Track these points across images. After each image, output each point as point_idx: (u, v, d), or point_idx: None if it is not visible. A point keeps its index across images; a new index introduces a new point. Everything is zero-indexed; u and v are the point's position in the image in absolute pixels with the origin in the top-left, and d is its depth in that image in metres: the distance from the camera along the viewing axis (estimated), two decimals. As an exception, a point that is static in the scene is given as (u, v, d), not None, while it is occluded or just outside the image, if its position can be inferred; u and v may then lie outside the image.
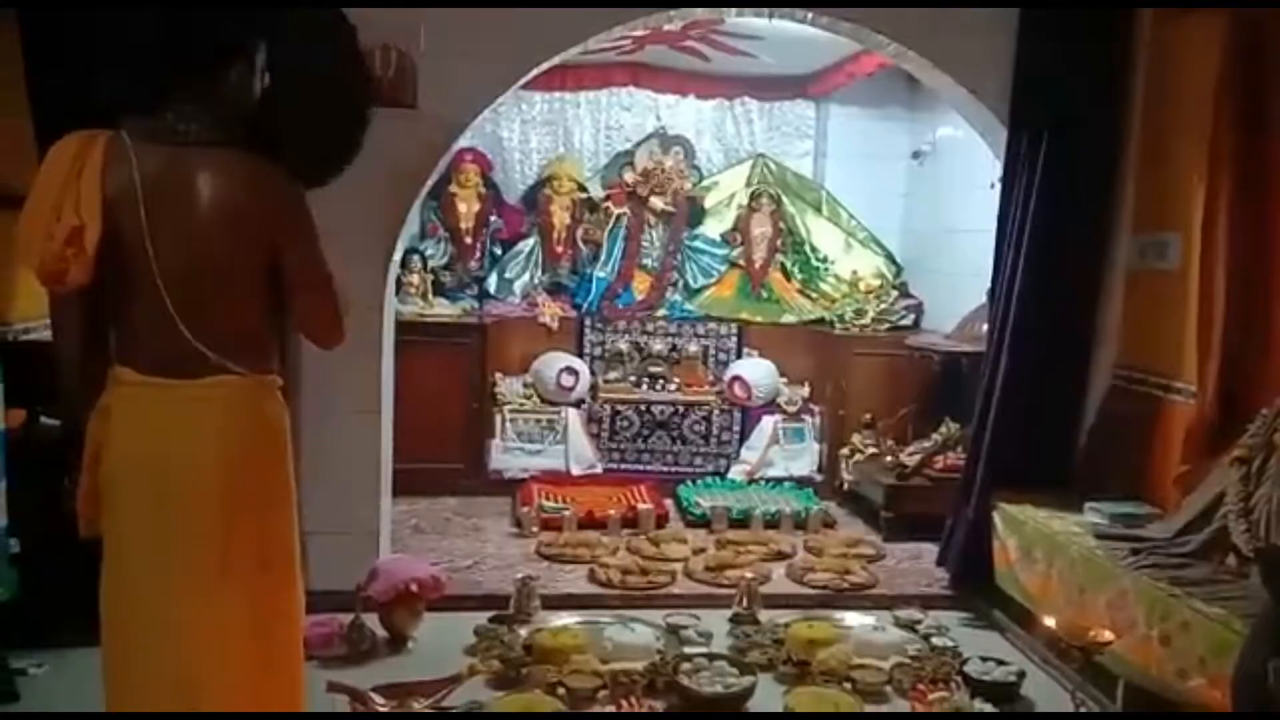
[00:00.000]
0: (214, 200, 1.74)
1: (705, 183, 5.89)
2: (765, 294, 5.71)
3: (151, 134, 1.77)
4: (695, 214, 5.77)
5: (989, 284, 3.93)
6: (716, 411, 5.35)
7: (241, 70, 1.84)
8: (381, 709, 2.66)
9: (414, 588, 3.26)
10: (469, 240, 5.51)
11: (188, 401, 1.79)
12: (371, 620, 3.27)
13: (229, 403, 1.81)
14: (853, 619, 3.52)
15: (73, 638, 2.69)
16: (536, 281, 5.61)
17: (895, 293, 5.60)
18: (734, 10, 3.98)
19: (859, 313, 5.43)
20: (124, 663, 1.81)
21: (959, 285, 5.03)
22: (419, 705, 2.67)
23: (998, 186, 3.87)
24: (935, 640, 3.33)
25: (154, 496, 1.77)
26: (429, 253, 5.43)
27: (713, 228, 5.83)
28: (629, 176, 5.67)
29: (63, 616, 2.67)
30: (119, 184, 1.73)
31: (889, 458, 4.73)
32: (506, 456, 5.12)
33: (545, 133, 5.92)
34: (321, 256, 1.87)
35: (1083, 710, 2.47)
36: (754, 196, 5.77)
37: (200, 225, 1.74)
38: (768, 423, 5.30)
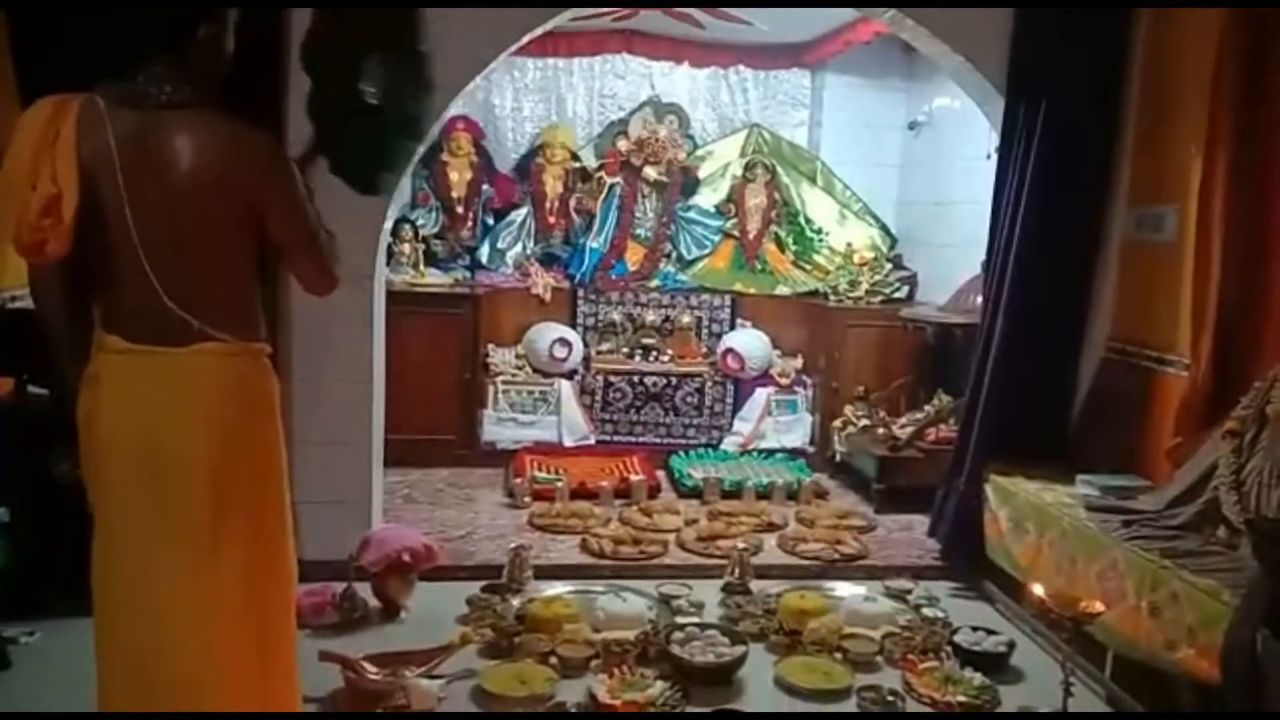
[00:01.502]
0: (192, 164, 1.71)
1: (699, 152, 5.85)
2: (759, 265, 5.70)
3: (125, 97, 1.73)
4: (689, 184, 5.73)
5: (984, 255, 3.92)
6: (709, 383, 5.35)
7: (212, 30, 1.80)
8: (374, 677, 2.67)
9: (406, 557, 3.27)
10: (460, 209, 5.46)
11: (174, 370, 1.77)
12: (364, 589, 3.27)
13: (215, 371, 1.79)
14: (844, 589, 3.54)
15: (64, 606, 2.68)
16: (529, 251, 5.58)
17: (889, 265, 5.59)
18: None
19: (853, 284, 5.42)
20: (115, 637, 1.81)
21: (953, 257, 5.02)
22: (411, 674, 2.67)
23: (994, 157, 3.85)
24: (926, 610, 3.35)
25: (143, 469, 1.76)
26: (420, 222, 5.39)
27: (707, 198, 5.80)
28: (623, 145, 5.63)
29: (54, 585, 2.68)
30: (95, 150, 1.70)
31: (881, 430, 4.74)
32: (499, 427, 5.11)
33: (538, 100, 5.86)
34: (306, 213, 1.85)
35: (1072, 681, 2.48)
36: (748, 167, 5.73)
37: (178, 190, 1.71)
38: (760, 394, 5.30)
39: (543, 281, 5.41)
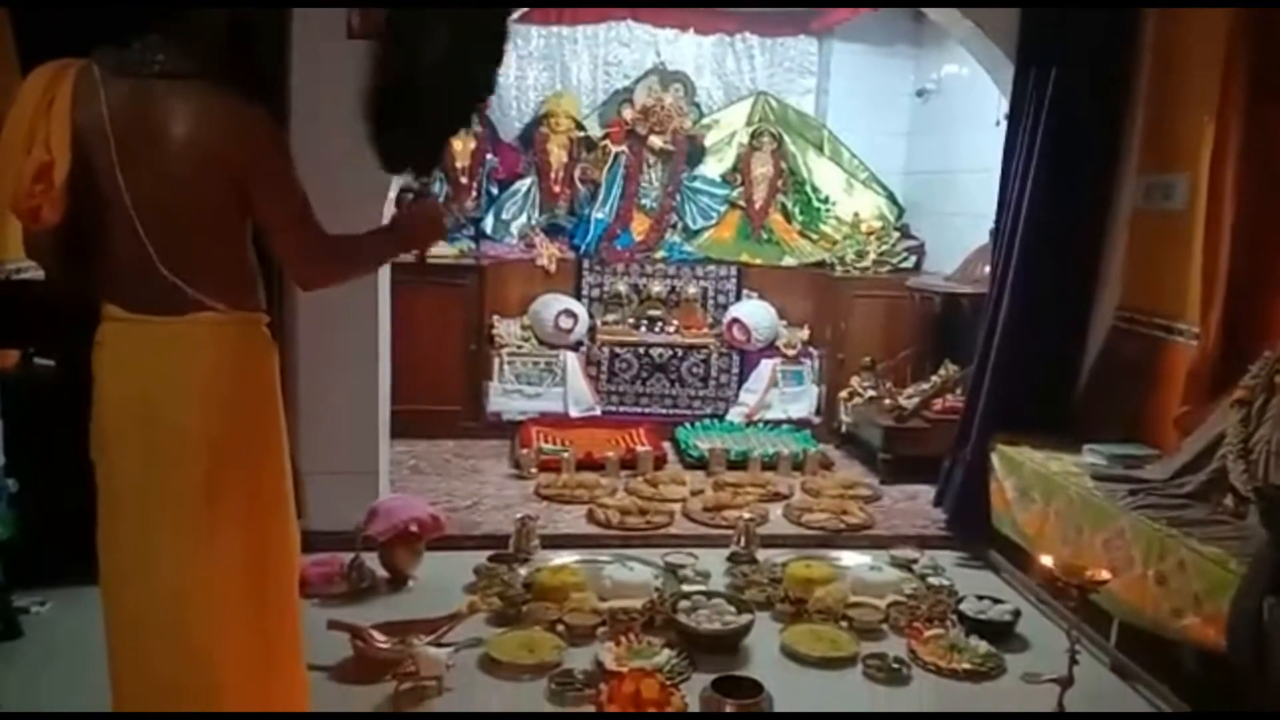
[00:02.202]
0: (181, 134, 1.70)
1: (705, 121, 5.80)
2: (765, 236, 5.66)
3: (120, 65, 1.72)
4: (695, 153, 5.68)
5: (992, 224, 3.89)
6: (715, 354, 5.34)
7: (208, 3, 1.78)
8: (382, 646, 2.69)
9: (414, 527, 3.28)
10: (465, 180, 5.43)
11: (170, 340, 1.76)
12: (371, 559, 3.29)
13: (212, 341, 1.78)
14: (849, 559, 3.55)
15: (74, 576, 2.69)
16: (534, 222, 5.55)
17: (896, 234, 5.56)
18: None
19: (860, 254, 5.39)
20: (118, 604, 1.82)
21: (961, 226, 4.99)
22: (420, 642, 2.69)
23: (1003, 124, 3.81)
24: (931, 579, 3.36)
25: (141, 438, 1.76)
26: (424, 192, 5.35)
27: (713, 167, 5.76)
28: (628, 114, 5.58)
29: (63, 555, 2.68)
30: (88, 117, 1.69)
31: (887, 400, 4.73)
32: (505, 399, 5.12)
33: (542, 68, 5.80)
34: (293, 193, 1.80)
35: (1077, 649, 2.49)
36: (755, 135, 5.68)
37: (169, 159, 1.70)
38: (766, 365, 5.29)
39: (548, 252, 5.38)
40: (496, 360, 5.13)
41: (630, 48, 5.85)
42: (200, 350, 1.78)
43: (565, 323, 5.18)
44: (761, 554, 3.53)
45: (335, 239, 1.85)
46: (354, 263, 2.02)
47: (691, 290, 5.49)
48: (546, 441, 4.67)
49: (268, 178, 1.77)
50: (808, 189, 5.76)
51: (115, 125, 1.69)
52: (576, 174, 5.59)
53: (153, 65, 1.72)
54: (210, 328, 1.78)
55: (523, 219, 5.54)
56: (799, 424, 5.19)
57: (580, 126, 5.62)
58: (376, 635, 2.72)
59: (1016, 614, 3.11)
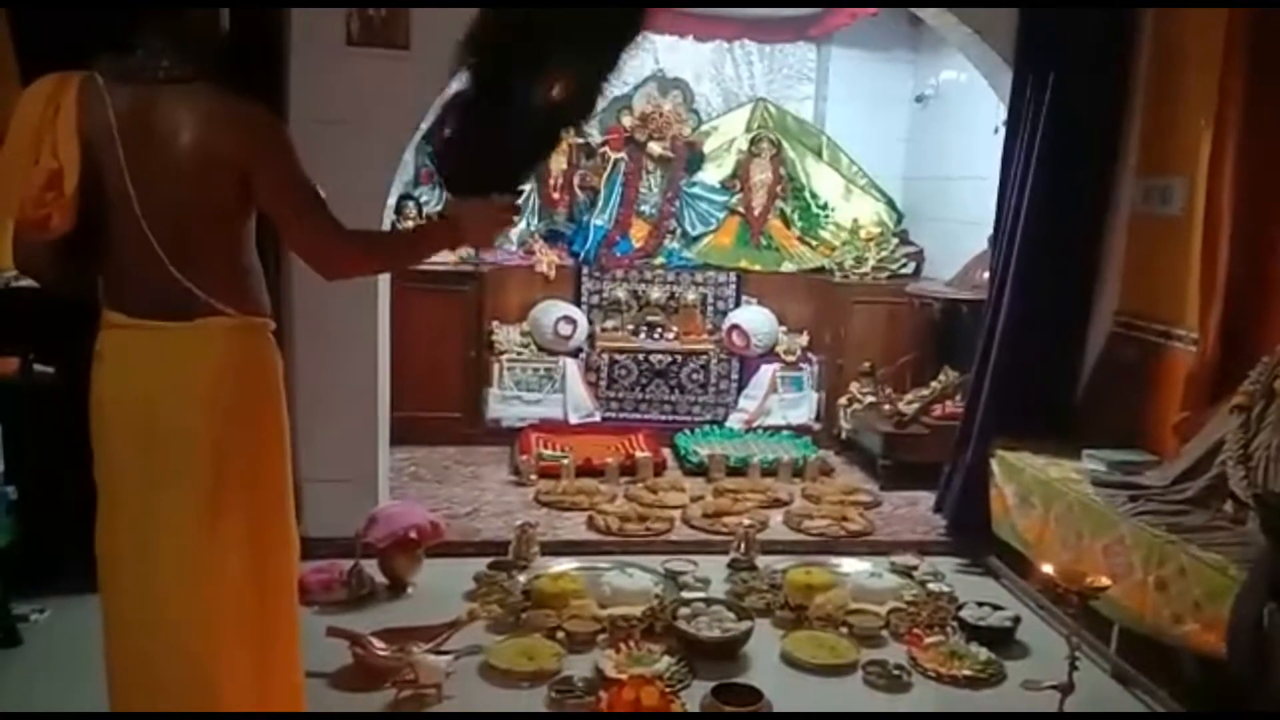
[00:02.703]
0: (188, 137, 1.72)
1: (704, 127, 5.80)
2: (765, 242, 5.66)
3: (123, 73, 1.74)
4: (694, 159, 5.68)
5: (991, 230, 3.89)
6: (715, 360, 5.34)
7: (205, 5, 1.81)
8: (382, 653, 2.68)
9: (413, 534, 3.28)
10: (464, 186, 5.42)
11: (176, 344, 1.77)
12: (371, 566, 3.29)
13: (219, 345, 1.79)
14: (850, 565, 3.55)
15: (73, 583, 2.69)
16: (533, 228, 5.55)
17: (895, 240, 5.55)
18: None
19: (859, 261, 5.39)
20: (117, 609, 1.82)
21: (960, 232, 4.99)
22: (419, 649, 2.69)
23: (1002, 131, 3.82)
24: (931, 586, 3.35)
25: (143, 441, 1.77)
26: (424, 199, 5.36)
27: (712, 174, 5.75)
28: (627, 120, 5.58)
29: (63, 562, 2.69)
30: (95, 124, 1.70)
31: (887, 406, 4.73)
32: (504, 405, 5.11)
33: (541, 76, 5.79)
34: (299, 185, 1.82)
35: (1077, 655, 2.49)
36: (754, 141, 5.68)
37: (177, 162, 1.72)
38: (766, 371, 5.29)
39: (547, 259, 5.38)
40: (496, 366, 5.13)
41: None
42: (207, 355, 1.79)
43: (565, 329, 5.18)
44: (761, 560, 3.53)
45: (352, 230, 1.90)
46: (379, 251, 2.13)
47: (691, 296, 5.49)
48: (546, 448, 4.67)
49: (275, 171, 1.79)
50: (807, 195, 5.76)
51: (123, 131, 1.70)
52: (575, 181, 5.59)
53: (157, 70, 1.73)
54: (218, 332, 1.78)
55: (522, 225, 5.54)
56: (799, 430, 5.19)
57: (579, 133, 5.62)
58: (376, 642, 2.72)
59: (1017, 620, 3.11)
